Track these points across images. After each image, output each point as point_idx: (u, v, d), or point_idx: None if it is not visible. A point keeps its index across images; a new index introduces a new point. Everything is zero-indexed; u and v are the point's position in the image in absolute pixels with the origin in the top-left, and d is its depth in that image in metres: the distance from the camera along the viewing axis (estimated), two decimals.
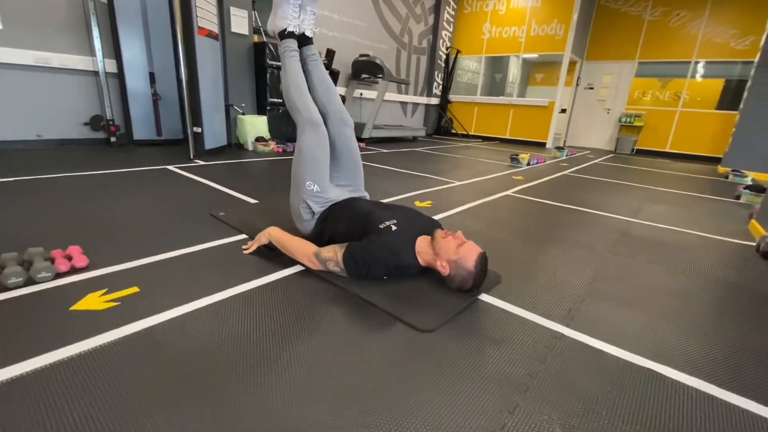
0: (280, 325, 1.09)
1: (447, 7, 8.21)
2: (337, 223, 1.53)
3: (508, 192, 3.16)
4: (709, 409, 0.90)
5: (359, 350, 1.01)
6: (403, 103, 8.06)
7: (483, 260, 1.28)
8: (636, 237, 2.21)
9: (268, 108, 4.44)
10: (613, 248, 1.98)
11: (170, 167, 3.08)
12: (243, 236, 1.73)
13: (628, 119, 7.74)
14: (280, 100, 4.52)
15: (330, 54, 5.44)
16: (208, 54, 3.56)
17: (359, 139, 5.98)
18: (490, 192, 3.11)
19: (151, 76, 3.89)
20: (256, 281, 1.33)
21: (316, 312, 1.18)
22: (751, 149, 5.42)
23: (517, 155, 4.84)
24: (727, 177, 5.05)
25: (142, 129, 3.99)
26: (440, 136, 8.59)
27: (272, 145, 4.32)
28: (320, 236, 1.58)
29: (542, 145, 7.84)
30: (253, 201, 2.31)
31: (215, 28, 3.70)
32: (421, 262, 1.38)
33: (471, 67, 9.09)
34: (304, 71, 1.71)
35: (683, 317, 1.33)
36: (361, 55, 6.15)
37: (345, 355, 0.98)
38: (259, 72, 4.34)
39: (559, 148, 6.51)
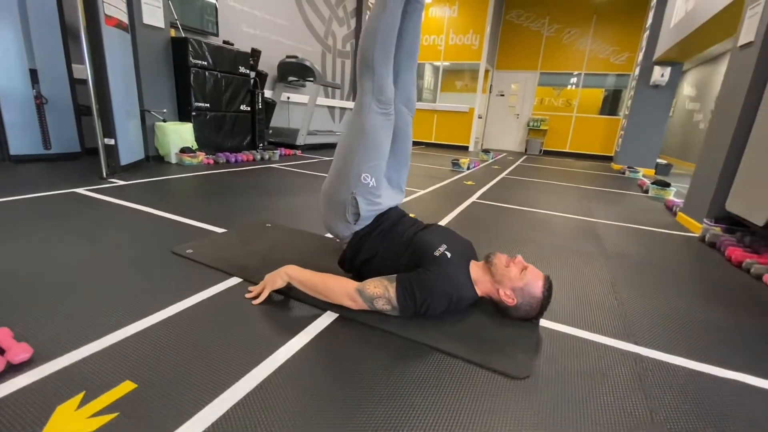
0: (345, 394, 0.84)
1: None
2: (381, 245, 1.29)
3: (473, 199, 3.18)
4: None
5: (450, 409, 0.82)
6: (331, 108, 7.80)
7: (550, 285, 1.18)
8: (602, 236, 2.37)
9: (194, 114, 3.83)
10: (602, 251, 2.08)
11: (80, 190, 2.42)
12: (234, 280, 1.37)
13: (535, 123, 8.63)
14: (207, 105, 3.94)
15: (255, 54, 4.94)
16: (118, 49, 2.90)
17: (292, 147, 5.60)
18: (457, 200, 3.09)
19: (33, 73, 3.04)
20: (292, 343, 1.03)
21: (378, 369, 0.94)
22: (636, 149, 6.43)
23: (458, 160, 4.99)
24: (624, 173, 5.90)
25: (21, 141, 3.10)
26: None
27: (201, 157, 3.74)
28: (354, 255, 1.32)
29: (465, 148, 8.29)
30: (218, 230, 1.90)
31: (125, 18, 3.04)
32: (479, 292, 1.23)
33: None
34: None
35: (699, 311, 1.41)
36: (288, 57, 5.74)
37: (437, 416, 0.78)
38: (180, 72, 3.71)
39: (486, 151, 6.93)
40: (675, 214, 3.02)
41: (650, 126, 6.22)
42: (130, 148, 3.15)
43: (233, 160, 4.04)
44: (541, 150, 8.66)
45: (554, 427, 0.82)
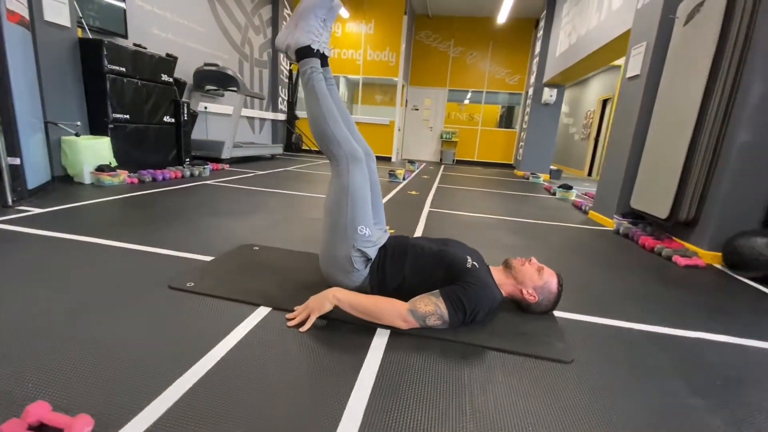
0: (444, 407, 0.90)
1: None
2: (403, 268, 1.34)
3: (427, 209, 3.39)
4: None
5: (525, 394, 0.94)
6: (251, 119, 7.42)
7: (561, 281, 1.38)
8: (540, 236, 2.77)
9: (112, 127, 3.33)
10: (547, 245, 2.44)
11: None
12: (261, 310, 1.29)
13: (448, 135, 9.41)
14: (127, 116, 3.46)
15: (167, 60, 4.48)
16: (20, 50, 2.41)
17: (218, 160, 5.20)
18: (414, 211, 3.27)
19: None
20: (369, 366, 1.03)
21: (451, 374, 1.02)
22: (534, 158, 7.48)
23: (394, 171, 5.21)
24: (528, 178, 6.82)
25: None
26: (293, 153, 8.31)
27: (123, 176, 3.27)
28: (382, 285, 1.35)
29: (388, 159, 8.64)
30: (199, 257, 1.72)
31: (27, 14, 2.53)
32: (504, 294, 1.37)
33: None
34: None
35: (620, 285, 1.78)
36: (206, 64, 5.32)
37: (522, 407, 0.90)
38: (93, 78, 3.20)
39: (411, 162, 7.33)
40: (586, 212, 3.65)
41: (544, 138, 7.32)
42: (36, 169, 2.62)
43: (160, 178, 3.61)
44: (454, 160, 9.48)
45: (625, 401, 0.99)
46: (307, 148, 8.82)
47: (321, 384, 0.94)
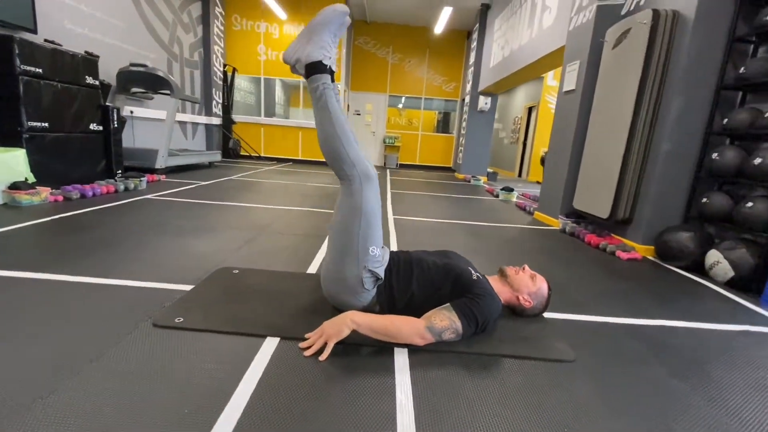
0: (485, 422, 0.94)
1: (216, 21, 7.53)
2: (411, 284, 1.35)
3: (393, 217, 3.43)
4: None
5: (540, 391, 1.03)
6: (182, 123, 6.85)
7: (550, 285, 1.50)
8: (498, 237, 2.98)
9: (27, 137, 2.85)
10: (513, 248, 2.63)
11: None
12: (270, 341, 1.22)
13: (390, 140, 9.58)
14: (46, 125, 3.00)
15: (92, 60, 3.97)
16: None
17: (152, 171, 4.73)
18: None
19: None
20: (403, 388, 1.03)
21: (475, 386, 1.06)
22: (473, 161, 7.94)
23: None
24: (469, 181, 7.22)
25: None
26: (231, 160, 7.84)
27: (45, 193, 2.83)
28: (391, 303, 1.35)
29: None
30: (178, 287, 1.57)
31: None
32: (502, 301, 1.45)
33: (246, 87, 8.73)
34: None
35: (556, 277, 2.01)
36: (132, 65, 4.81)
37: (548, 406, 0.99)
38: (2, 81, 2.72)
39: None
40: (531, 213, 3.97)
41: (480, 143, 7.81)
42: None
43: (90, 194, 3.18)
44: (397, 164, 9.69)
45: (626, 396, 1.11)
46: (247, 154, 8.40)
47: (364, 415, 0.92)
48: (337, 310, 1.39)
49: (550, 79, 8.28)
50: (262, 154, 8.55)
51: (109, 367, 1.02)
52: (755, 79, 2.16)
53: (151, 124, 5.70)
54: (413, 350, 1.21)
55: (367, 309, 1.35)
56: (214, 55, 7.54)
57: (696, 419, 1.00)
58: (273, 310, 1.40)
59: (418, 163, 9.85)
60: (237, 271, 1.75)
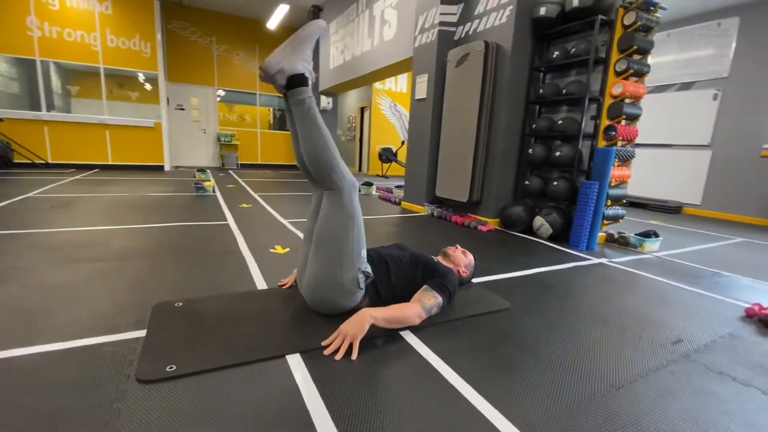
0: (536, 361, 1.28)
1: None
2: (390, 277, 1.53)
3: (285, 221, 3.37)
4: None
5: (505, 334, 1.46)
6: None
7: (474, 257, 1.94)
8: (388, 227, 3.41)
9: None
10: (404, 234, 3.06)
11: None
12: (290, 359, 1.20)
13: (226, 138, 8.81)
14: None
15: None
16: None
17: None
18: (275, 230, 3.19)
19: None
20: (447, 372, 1.23)
21: (493, 340, 1.39)
22: None
23: (202, 183, 4.64)
24: None
25: None
26: (4, 171, 5.70)
27: None
28: (378, 297, 1.49)
29: (160, 168, 7.31)
30: (119, 336, 1.28)
31: None
32: None
33: (6, 71, 6.40)
34: (294, 127, 1.41)
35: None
36: None
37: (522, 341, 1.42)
38: None
39: (201, 170, 6.52)
40: (398, 203, 4.56)
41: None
42: None
43: None
44: (238, 163, 9.01)
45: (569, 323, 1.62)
46: (23, 161, 6.27)
47: (440, 400, 1.09)
48: (325, 316, 1.45)
49: (378, 83, 9.26)
50: (50, 161, 6.53)
51: None
52: (548, 97, 3.18)
53: None
54: (413, 330, 1.42)
55: (357, 307, 1.46)
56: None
57: (583, 310, 1.59)
58: (264, 330, 1.35)
59: (261, 162, 9.43)
60: (181, 304, 1.52)
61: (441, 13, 3.71)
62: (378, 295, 1.51)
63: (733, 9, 4.87)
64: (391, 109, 9.68)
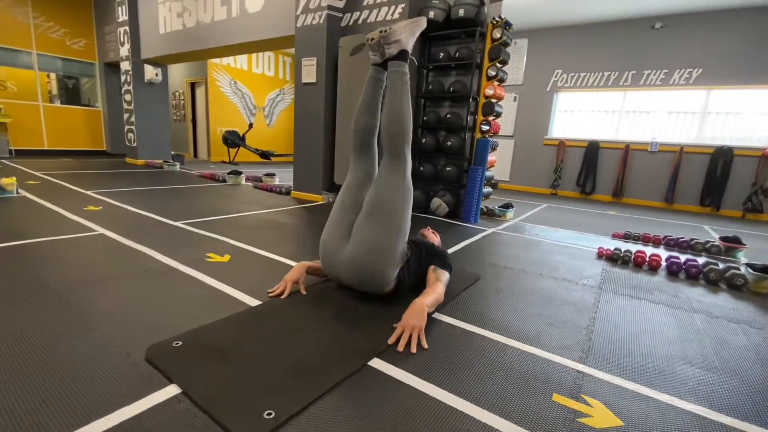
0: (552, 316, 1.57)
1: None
2: (420, 260, 1.63)
3: (179, 225, 2.76)
4: None
5: (488, 304, 1.81)
6: None
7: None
8: (283, 223, 3.29)
9: None
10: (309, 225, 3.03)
11: None
12: (370, 365, 1.16)
13: None
14: None
15: None
16: None
17: None
18: (186, 236, 2.60)
19: None
20: (494, 335, 1.40)
21: (500, 308, 1.65)
22: (151, 143, 6.67)
23: None
24: (161, 167, 6.18)
25: None
26: None
27: None
28: (410, 272, 1.56)
29: None
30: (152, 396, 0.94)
31: None
32: None
33: None
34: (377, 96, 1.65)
35: None
36: None
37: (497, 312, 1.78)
38: None
39: None
40: (286, 193, 4.32)
41: (157, 121, 6.64)
42: None
43: None
44: (11, 150, 6.40)
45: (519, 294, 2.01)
46: None
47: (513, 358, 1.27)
48: (364, 296, 1.54)
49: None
50: None
51: None
52: (433, 93, 3.62)
53: None
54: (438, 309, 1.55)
55: (392, 282, 1.49)
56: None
57: (530, 267, 2.06)
58: (313, 345, 1.23)
59: (50, 148, 7.01)
60: (180, 343, 1.18)
61: None
62: (410, 271, 1.56)
63: (524, 33, 6.52)
64: (232, 87, 8.72)
